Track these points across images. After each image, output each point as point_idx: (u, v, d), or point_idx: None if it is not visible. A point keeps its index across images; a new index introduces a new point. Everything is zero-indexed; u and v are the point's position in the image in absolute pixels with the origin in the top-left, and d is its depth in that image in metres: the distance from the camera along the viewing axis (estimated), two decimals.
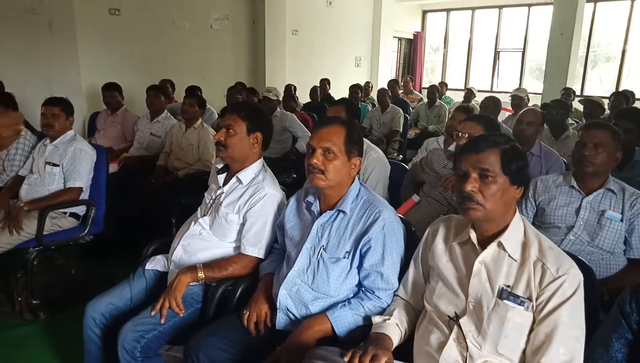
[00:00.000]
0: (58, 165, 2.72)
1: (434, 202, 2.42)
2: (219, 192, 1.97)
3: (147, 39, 5.85)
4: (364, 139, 2.65)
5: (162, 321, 1.71)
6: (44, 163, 2.74)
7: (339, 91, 7.29)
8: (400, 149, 5.40)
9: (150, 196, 3.33)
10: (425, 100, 6.66)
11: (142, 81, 4.88)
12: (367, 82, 8.03)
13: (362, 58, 9.48)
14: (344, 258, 1.60)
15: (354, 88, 6.34)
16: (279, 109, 4.53)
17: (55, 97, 2.81)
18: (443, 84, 8.32)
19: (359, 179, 1.73)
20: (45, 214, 2.55)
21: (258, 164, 1.97)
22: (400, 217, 1.72)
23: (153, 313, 1.72)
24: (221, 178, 2.00)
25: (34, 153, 2.87)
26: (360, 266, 1.60)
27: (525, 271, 1.27)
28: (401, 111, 5.49)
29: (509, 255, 1.30)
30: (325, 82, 7.05)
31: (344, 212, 1.64)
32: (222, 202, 1.93)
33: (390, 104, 5.56)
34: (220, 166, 2.01)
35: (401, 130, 5.39)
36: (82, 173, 2.75)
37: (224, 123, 1.91)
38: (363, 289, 1.61)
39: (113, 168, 3.58)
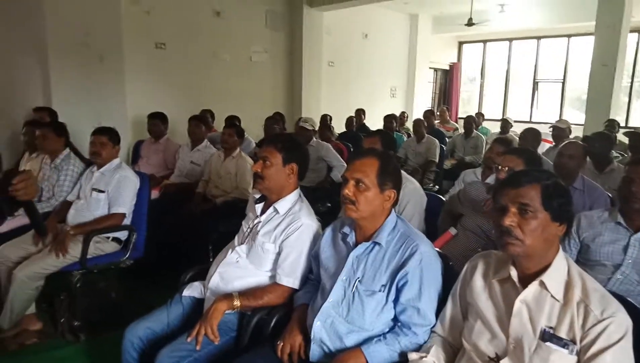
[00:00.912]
0: (104, 192, 2.84)
1: (472, 235, 2.38)
2: (256, 221, 2.00)
3: (190, 71, 6.11)
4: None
5: (198, 348, 1.72)
6: (90, 189, 2.86)
7: (374, 121, 7.34)
8: (437, 180, 5.35)
9: (188, 222, 3.41)
10: (462, 130, 6.61)
11: (184, 110, 5.08)
12: (402, 113, 8.05)
13: (397, 88, 9.54)
14: (380, 291, 1.58)
15: (389, 118, 6.37)
16: (314, 138, 4.59)
17: (104, 127, 2.96)
18: (480, 114, 8.24)
19: (395, 211, 1.73)
20: (89, 238, 2.65)
21: (295, 194, 2.00)
22: (437, 251, 1.70)
23: (189, 339, 1.74)
24: (259, 207, 2.03)
25: (82, 180, 3.00)
26: (396, 301, 1.57)
27: (568, 313, 1.22)
28: (437, 141, 5.47)
29: (552, 295, 1.26)
30: (360, 113, 7.11)
31: (379, 244, 1.63)
32: (259, 231, 1.96)
33: (426, 135, 5.54)
34: (258, 195, 2.05)
35: (437, 160, 5.36)
36: (126, 199, 2.85)
37: (260, 155, 1.96)
38: (399, 324, 1.58)
39: (154, 194, 3.70)
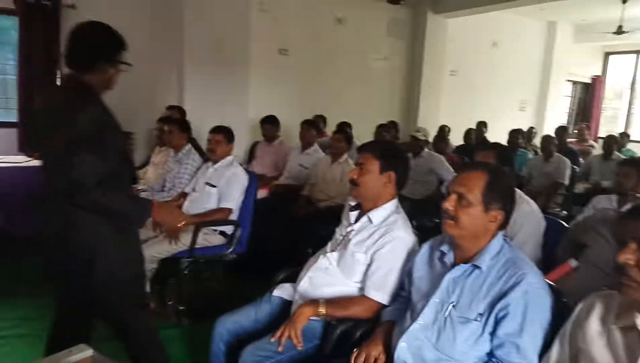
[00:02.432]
0: (215, 186, 3.01)
1: (597, 271, 2.04)
2: (349, 229, 1.95)
3: (309, 76, 6.29)
4: (516, 189, 2.41)
5: (280, 349, 1.71)
6: (204, 183, 3.06)
7: (498, 136, 6.83)
8: (565, 205, 4.79)
9: (291, 224, 3.48)
10: (600, 151, 5.86)
11: (301, 114, 5.23)
12: (531, 128, 7.41)
13: (527, 102, 8.82)
14: (476, 320, 1.42)
15: (515, 133, 5.89)
16: (426, 149, 4.41)
17: (220, 126, 3.14)
18: (624, 134, 7.26)
19: (504, 233, 1.55)
20: (199, 229, 2.81)
21: (391, 204, 1.90)
22: (549, 284, 1.48)
23: (272, 340, 1.73)
24: (353, 215, 1.98)
25: (198, 173, 3.22)
26: (493, 333, 1.40)
27: None
28: (568, 161, 4.90)
29: None
30: (481, 125, 6.70)
31: (479, 268, 1.47)
32: (351, 240, 1.90)
33: (556, 153, 5.00)
34: (353, 203, 2.00)
35: (566, 182, 4.80)
36: (234, 195, 2.99)
37: (357, 161, 1.90)
38: (494, 360, 1.40)
39: (263, 193, 3.85)
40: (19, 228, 3.84)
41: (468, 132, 6.14)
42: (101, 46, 1.72)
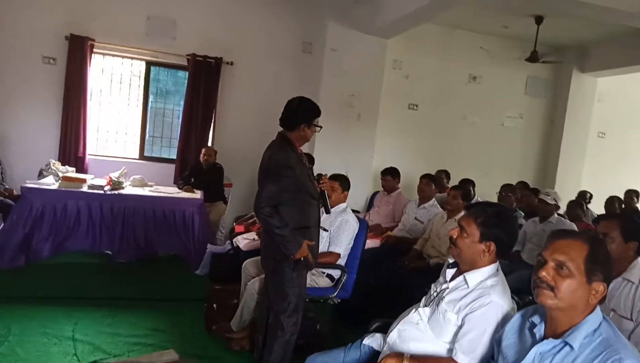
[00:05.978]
0: (327, 230, 3.18)
1: None
2: (444, 286, 1.94)
3: (436, 131, 6.31)
4: None
5: None
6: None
7: None
8: None
9: (399, 276, 3.48)
10: None
11: (425, 168, 5.27)
12: None
13: None
14: None
15: None
16: (555, 215, 4.09)
17: (337, 174, 3.34)
18: None
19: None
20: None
21: (490, 268, 1.85)
22: None
23: None
24: (450, 272, 1.96)
25: None
26: None
27: None
28: None
29: None
30: (632, 194, 5.93)
31: (571, 346, 1.37)
32: (444, 297, 1.89)
33: None
34: (452, 260, 1.99)
35: None
36: (343, 241, 3.12)
37: (459, 222, 1.90)
38: None
39: (375, 243, 3.92)
40: (164, 247, 4.47)
41: (610, 201, 5.45)
42: (299, 113, 2.51)
